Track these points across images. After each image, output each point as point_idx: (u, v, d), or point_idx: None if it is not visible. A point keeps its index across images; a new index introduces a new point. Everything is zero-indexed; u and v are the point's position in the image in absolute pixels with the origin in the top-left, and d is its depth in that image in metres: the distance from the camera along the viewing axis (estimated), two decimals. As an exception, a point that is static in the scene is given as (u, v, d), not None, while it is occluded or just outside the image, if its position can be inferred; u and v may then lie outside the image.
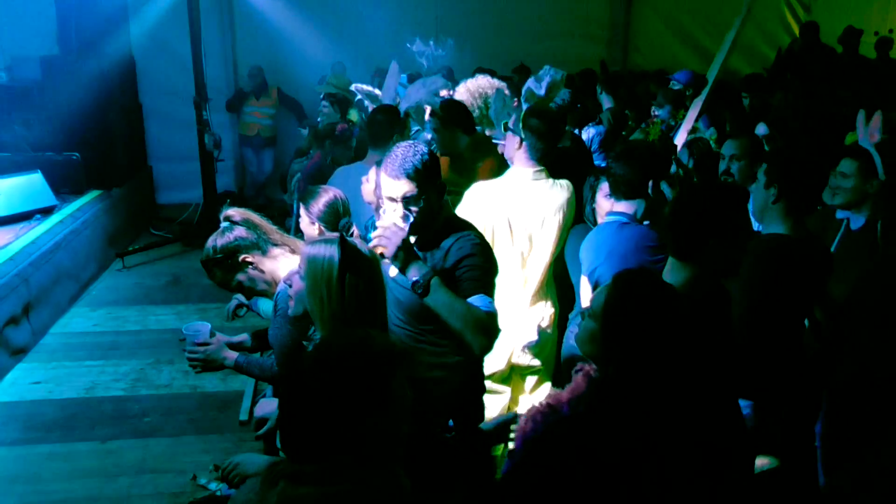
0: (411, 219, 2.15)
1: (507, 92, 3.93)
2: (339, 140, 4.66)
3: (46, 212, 5.63)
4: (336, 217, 2.76)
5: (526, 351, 3.07)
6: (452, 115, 3.58)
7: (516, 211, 2.97)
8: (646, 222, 2.74)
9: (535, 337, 3.06)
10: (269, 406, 2.63)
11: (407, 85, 4.75)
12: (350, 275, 1.86)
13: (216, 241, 2.44)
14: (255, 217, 2.56)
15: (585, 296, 2.73)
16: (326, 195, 2.80)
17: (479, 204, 2.94)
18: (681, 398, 1.72)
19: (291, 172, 5.71)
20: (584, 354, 1.90)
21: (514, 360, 3.09)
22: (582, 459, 1.65)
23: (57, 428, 3.87)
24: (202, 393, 4.22)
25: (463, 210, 2.91)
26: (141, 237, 7.08)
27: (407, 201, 2.15)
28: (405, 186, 2.14)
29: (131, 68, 7.65)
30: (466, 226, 2.35)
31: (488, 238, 2.84)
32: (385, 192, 2.20)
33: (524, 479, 1.69)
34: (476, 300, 2.17)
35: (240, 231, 2.46)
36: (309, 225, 2.80)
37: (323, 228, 2.73)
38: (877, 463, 1.91)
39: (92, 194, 6.36)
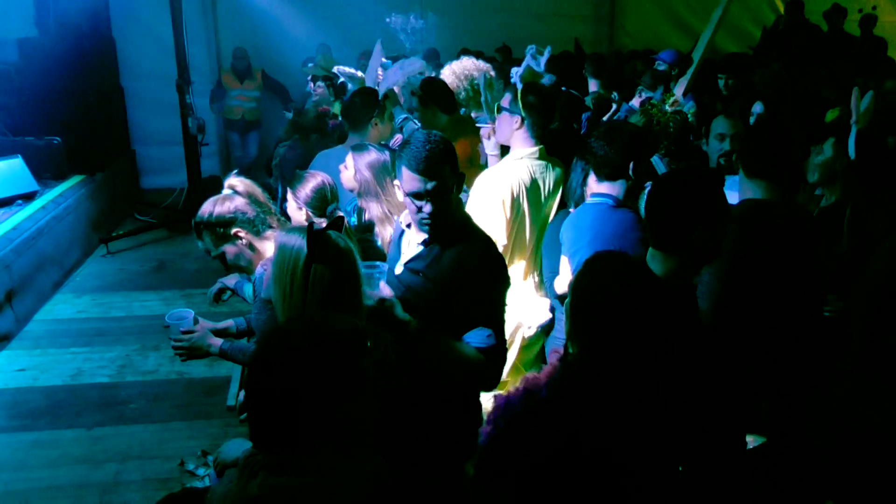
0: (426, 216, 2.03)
1: (492, 73, 3.90)
2: (325, 134, 4.63)
3: (28, 197, 5.56)
4: (324, 202, 2.73)
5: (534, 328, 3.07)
6: (431, 93, 3.55)
7: (527, 193, 2.96)
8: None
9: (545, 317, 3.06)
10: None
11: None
12: (317, 267, 1.81)
13: (215, 206, 2.42)
14: (260, 194, 2.55)
15: (565, 277, 2.73)
16: (314, 180, 2.76)
17: (492, 192, 2.90)
18: (649, 382, 1.73)
19: (276, 156, 5.66)
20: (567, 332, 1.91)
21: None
22: (557, 441, 1.67)
23: (42, 415, 3.85)
24: (189, 379, 4.21)
25: (476, 200, 2.90)
26: (125, 222, 7.02)
27: (418, 196, 2.01)
28: (417, 182, 2.00)
29: (111, 50, 7.52)
30: (473, 233, 2.16)
31: (502, 230, 2.82)
32: (403, 187, 2.06)
33: (503, 459, 1.71)
34: (473, 336, 2.03)
35: (240, 203, 2.44)
36: (296, 210, 2.77)
37: (310, 213, 2.70)
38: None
39: (74, 179, 6.29)
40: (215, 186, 7.39)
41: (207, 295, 3.08)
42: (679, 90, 5.47)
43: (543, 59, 3.70)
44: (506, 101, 3.05)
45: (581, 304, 1.78)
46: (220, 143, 8.31)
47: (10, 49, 6.37)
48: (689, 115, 4.62)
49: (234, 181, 2.51)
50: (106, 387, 4.13)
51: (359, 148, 2.87)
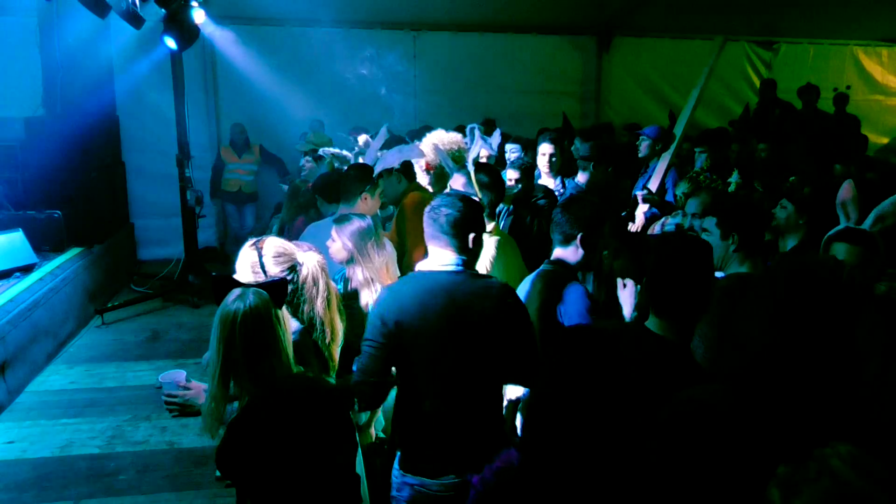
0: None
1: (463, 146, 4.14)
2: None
3: (26, 270, 5.67)
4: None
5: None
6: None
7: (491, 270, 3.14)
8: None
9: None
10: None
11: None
12: (225, 321, 1.93)
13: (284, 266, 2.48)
14: (322, 283, 2.63)
15: None
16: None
17: None
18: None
19: (269, 226, 5.82)
20: None
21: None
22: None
23: (30, 488, 3.83)
24: (179, 449, 4.21)
25: None
26: (121, 293, 7.10)
27: None
28: None
29: (115, 127, 7.82)
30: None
31: None
32: None
33: None
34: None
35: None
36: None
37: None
38: None
39: (73, 251, 6.42)
40: (211, 257, 7.57)
41: (201, 363, 3.14)
42: (662, 164, 5.69)
43: (494, 139, 3.94)
44: (459, 182, 3.24)
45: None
46: (216, 215, 8.50)
47: (17, 127, 6.63)
48: (731, 185, 5.13)
49: (310, 257, 2.58)
50: (95, 458, 4.12)
51: (340, 220, 3.03)
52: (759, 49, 9.70)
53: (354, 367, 2.45)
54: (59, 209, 6.37)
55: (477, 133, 4.09)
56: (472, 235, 2.41)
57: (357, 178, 3.61)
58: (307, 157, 6.10)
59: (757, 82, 9.52)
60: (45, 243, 6.17)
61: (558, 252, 2.88)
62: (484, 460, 2.28)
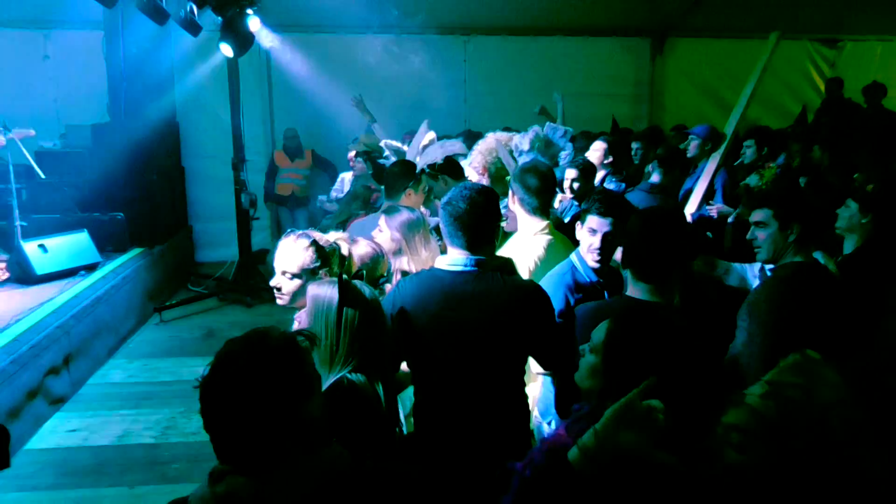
0: None
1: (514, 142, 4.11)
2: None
3: (90, 268, 5.93)
4: (375, 269, 2.88)
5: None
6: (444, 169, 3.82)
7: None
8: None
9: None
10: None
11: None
12: (347, 311, 1.99)
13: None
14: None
15: None
16: (372, 248, 2.91)
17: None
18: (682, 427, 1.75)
19: (322, 228, 5.93)
20: (584, 389, 1.94)
21: None
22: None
23: (89, 474, 3.99)
24: (229, 441, 4.30)
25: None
26: (179, 292, 7.34)
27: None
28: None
29: (175, 132, 8.12)
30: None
31: None
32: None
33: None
34: None
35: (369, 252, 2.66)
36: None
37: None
38: None
39: (134, 252, 6.69)
40: (265, 259, 7.72)
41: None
42: (712, 164, 5.55)
43: (527, 139, 3.94)
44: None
45: (617, 356, 1.83)
46: (270, 218, 8.71)
47: (84, 133, 6.98)
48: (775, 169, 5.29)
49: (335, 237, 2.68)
50: (150, 447, 4.27)
51: (390, 210, 3.05)
52: (822, 48, 9.35)
53: None
54: (122, 211, 6.66)
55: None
56: (485, 230, 2.34)
57: (401, 174, 3.65)
58: (358, 159, 6.22)
59: (820, 82, 9.18)
60: (108, 243, 6.46)
61: None
62: (501, 457, 2.24)
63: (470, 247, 2.32)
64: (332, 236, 2.68)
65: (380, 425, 2.12)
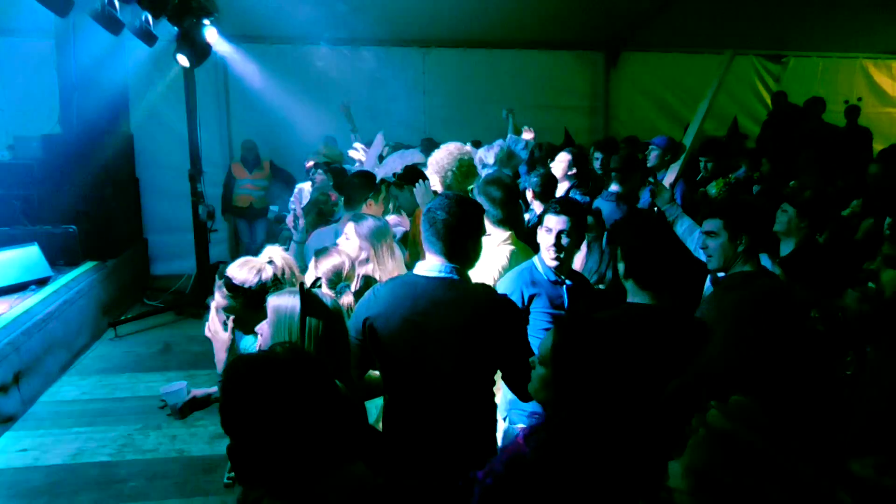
0: None
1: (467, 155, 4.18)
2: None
3: (41, 283, 5.76)
4: (338, 280, 2.92)
5: None
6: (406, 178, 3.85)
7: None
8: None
9: None
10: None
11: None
12: (311, 320, 2.01)
13: (260, 275, 2.56)
14: (294, 267, 2.70)
15: None
16: (336, 259, 2.96)
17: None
18: (631, 431, 1.81)
19: (282, 239, 5.90)
20: (539, 401, 1.99)
21: None
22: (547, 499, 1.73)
23: (41, 494, 3.87)
24: (189, 457, 4.24)
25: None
26: (134, 307, 7.19)
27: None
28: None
29: (129, 144, 7.96)
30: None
31: None
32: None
33: None
34: None
35: (270, 275, 2.60)
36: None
37: (326, 286, 2.89)
38: None
39: (87, 265, 6.52)
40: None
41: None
42: (671, 175, 5.72)
43: (493, 152, 4.00)
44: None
45: (566, 367, 1.88)
46: (228, 231, 8.60)
47: (34, 145, 6.81)
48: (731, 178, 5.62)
49: (275, 253, 2.67)
50: (106, 465, 4.17)
51: (358, 218, 3.08)
52: (767, 63, 9.73)
53: None
54: (75, 224, 6.49)
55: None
56: (464, 240, 2.37)
57: (361, 185, 3.67)
58: (319, 170, 6.21)
59: (766, 96, 9.54)
60: (60, 257, 6.28)
61: None
62: (465, 466, 2.27)
63: (448, 254, 2.35)
64: (266, 252, 2.70)
65: (364, 434, 2.14)
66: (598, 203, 4.67)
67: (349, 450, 1.47)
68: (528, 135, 5.38)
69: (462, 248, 2.37)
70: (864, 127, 8.23)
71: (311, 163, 6.78)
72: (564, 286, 2.92)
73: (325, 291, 2.86)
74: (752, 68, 9.68)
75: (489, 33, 8.64)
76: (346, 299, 2.77)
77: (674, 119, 9.20)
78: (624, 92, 9.56)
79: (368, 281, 2.98)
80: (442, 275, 2.34)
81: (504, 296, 2.55)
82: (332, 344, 2.05)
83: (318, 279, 2.41)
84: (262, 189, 8.35)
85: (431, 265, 2.37)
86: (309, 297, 2.05)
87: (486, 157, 4.13)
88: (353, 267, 3.03)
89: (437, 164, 3.91)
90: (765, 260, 3.35)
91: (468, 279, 2.42)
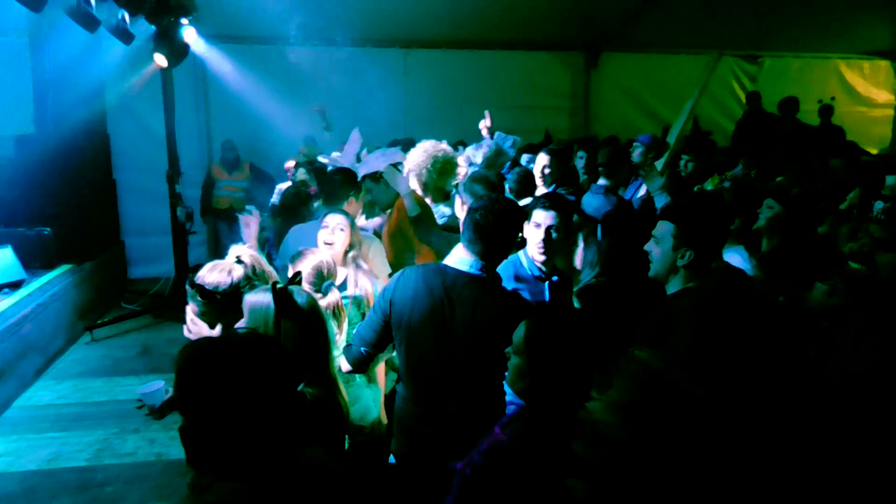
0: None
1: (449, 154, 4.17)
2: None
3: (15, 286, 5.64)
4: (321, 279, 2.90)
5: None
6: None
7: None
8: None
9: None
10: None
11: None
12: (284, 319, 1.98)
13: (219, 276, 2.52)
14: (265, 264, 2.67)
15: None
16: (315, 259, 2.93)
17: None
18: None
19: (261, 240, 5.83)
20: (515, 391, 1.99)
21: None
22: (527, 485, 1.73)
23: (16, 500, 3.79)
24: (167, 460, 4.18)
25: None
26: (112, 311, 7.07)
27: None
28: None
29: (106, 144, 7.84)
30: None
31: None
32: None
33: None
34: None
35: (241, 274, 2.57)
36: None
37: (309, 288, 2.85)
38: None
39: (62, 268, 6.40)
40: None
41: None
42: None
43: (482, 152, 3.99)
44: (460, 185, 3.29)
45: (540, 356, 1.88)
46: (208, 233, 8.50)
47: (7, 145, 6.66)
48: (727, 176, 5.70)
49: (242, 251, 2.63)
50: (83, 470, 4.09)
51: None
52: (744, 63, 9.85)
53: (354, 332, 2.57)
54: (49, 226, 6.37)
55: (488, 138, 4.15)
56: (503, 242, 2.45)
57: (343, 183, 3.65)
58: (301, 169, 6.17)
59: (742, 96, 9.65)
60: (34, 260, 6.16)
61: None
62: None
63: (483, 254, 2.42)
64: (233, 252, 2.67)
65: (343, 433, 2.12)
66: (588, 197, 4.68)
67: (308, 435, 1.47)
68: (486, 121, 5.41)
69: (499, 249, 2.46)
70: (838, 126, 8.37)
71: (290, 163, 6.73)
72: (547, 282, 2.92)
73: (305, 288, 2.83)
74: (729, 69, 9.79)
75: (471, 34, 8.65)
76: (333, 297, 2.75)
77: (653, 119, 9.27)
78: (604, 92, 9.61)
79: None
80: (472, 271, 2.42)
81: (526, 300, 2.59)
82: (308, 340, 2.02)
83: (298, 273, 2.38)
84: (241, 190, 8.26)
85: (463, 259, 2.44)
86: (282, 296, 2.03)
87: (475, 155, 4.13)
88: (334, 263, 3.01)
89: (413, 163, 3.90)
90: (741, 253, 3.38)
91: (497, 277, 2.49)
